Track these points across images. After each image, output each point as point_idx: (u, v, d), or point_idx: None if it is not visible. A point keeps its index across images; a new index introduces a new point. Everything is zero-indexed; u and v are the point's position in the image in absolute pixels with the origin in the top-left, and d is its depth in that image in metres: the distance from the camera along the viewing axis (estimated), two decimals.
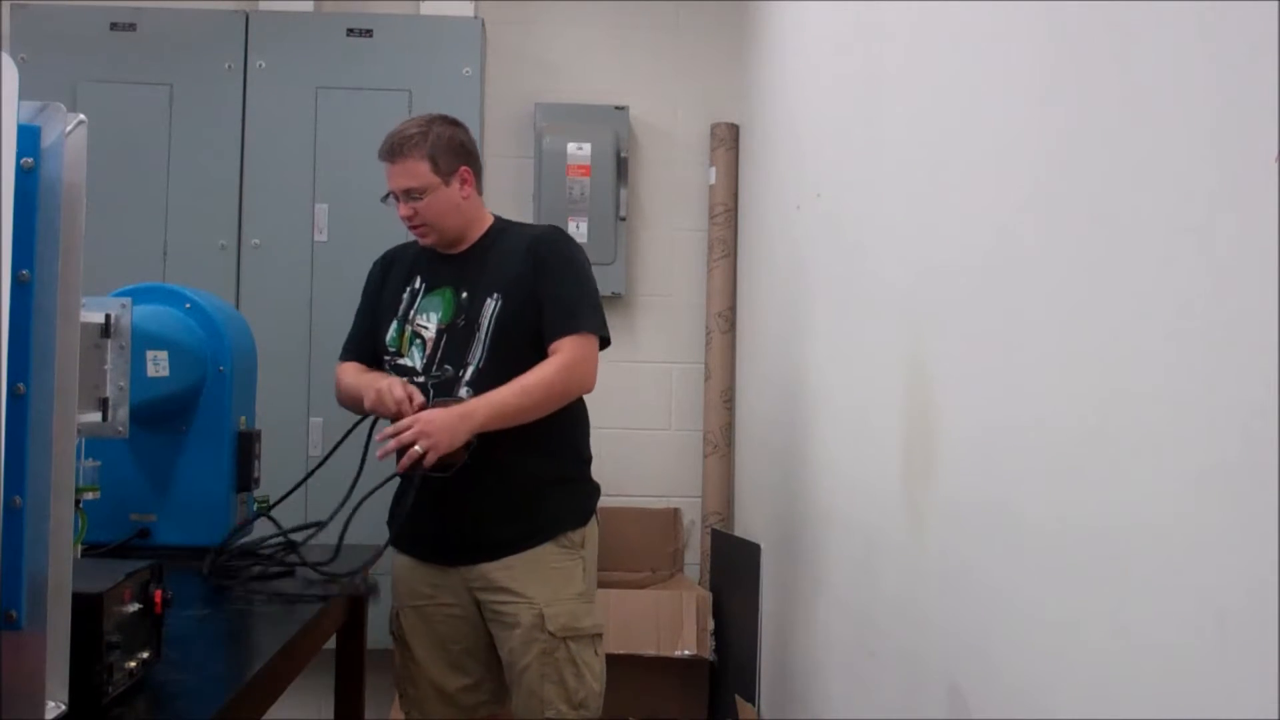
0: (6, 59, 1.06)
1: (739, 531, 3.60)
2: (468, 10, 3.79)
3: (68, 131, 1.13)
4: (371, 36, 3.57)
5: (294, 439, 3.43)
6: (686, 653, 3.30)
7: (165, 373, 1.99)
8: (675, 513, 3.81)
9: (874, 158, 2.18)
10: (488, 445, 2.24)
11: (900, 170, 2.01)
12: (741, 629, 3.29)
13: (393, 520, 2.34)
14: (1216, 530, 1.00)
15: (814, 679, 2.53)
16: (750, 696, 3.15)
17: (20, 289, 1.08)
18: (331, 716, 2.42)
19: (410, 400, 2.24)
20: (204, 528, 2.24)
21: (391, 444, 2.18)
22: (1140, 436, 1.14)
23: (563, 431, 2.38)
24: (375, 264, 2.55)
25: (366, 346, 2.47)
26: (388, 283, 2.49)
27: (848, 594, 2.29)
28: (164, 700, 1.37)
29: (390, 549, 2.34)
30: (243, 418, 2.31)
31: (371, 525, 2.34)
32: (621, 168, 3.75)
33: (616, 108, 3.82)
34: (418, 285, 2.43)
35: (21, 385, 1.08)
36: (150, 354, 1.93)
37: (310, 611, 1.89)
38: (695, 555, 3.85)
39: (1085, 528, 1.25)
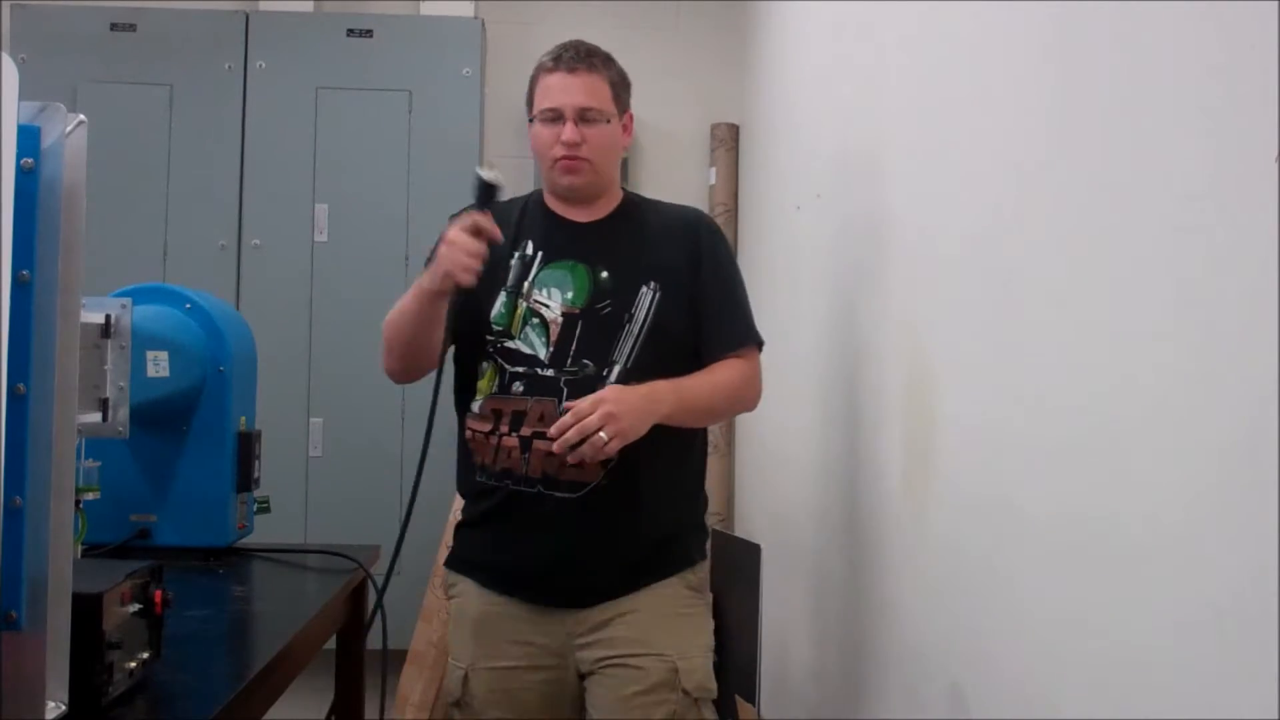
0: (6, 59, 1.06)
1: (739, 531, 3.60)
2: (468, 10, 3.79)
3: (68, 132, 1.13)
4: (371, 37, 3.57)
5: (294, 439, 3.44)
6: None
7: (165, 373, 1.99)
8: None
9: (873, 156, 2.18)
10: (628, 474, 1.89)
11: (899, 168, 2.01)
12: (741, 629, 3.28)
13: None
14: (1218, 527, 1.00)
15: (814, 679, 2.53)
16: (750, 696, 3.15)
17: (20, 289, 1.08)
18: (332, 717, 2.41)
19: (480, 233, 1.83)
20: (204, 528, 2.24)
21: (573, 432, 1.75)
22: (1141, 434, 1.14)
23: (696, 473, 2.09)
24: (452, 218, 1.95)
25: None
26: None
27: (848, 594, 2.29)
28: (164, 700, 1.37)
29: (458, 585, 2.01)
30: (243, 418, 2.31)
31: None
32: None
33: None
34: (530, 251, 1.99)
35: (21, 385, 1.08)
36: (150, 354, 1.93)
37: (310, 611, 1.89)
38: None
39: (1086, 525, 1.25)
